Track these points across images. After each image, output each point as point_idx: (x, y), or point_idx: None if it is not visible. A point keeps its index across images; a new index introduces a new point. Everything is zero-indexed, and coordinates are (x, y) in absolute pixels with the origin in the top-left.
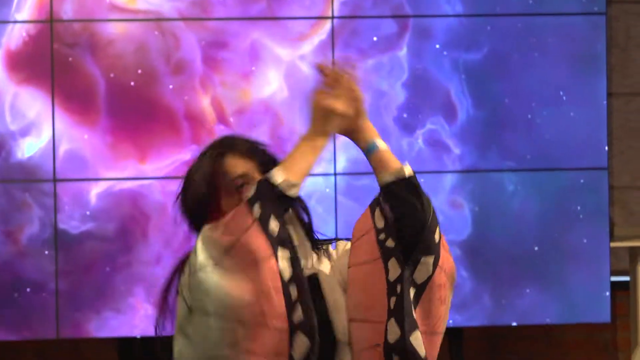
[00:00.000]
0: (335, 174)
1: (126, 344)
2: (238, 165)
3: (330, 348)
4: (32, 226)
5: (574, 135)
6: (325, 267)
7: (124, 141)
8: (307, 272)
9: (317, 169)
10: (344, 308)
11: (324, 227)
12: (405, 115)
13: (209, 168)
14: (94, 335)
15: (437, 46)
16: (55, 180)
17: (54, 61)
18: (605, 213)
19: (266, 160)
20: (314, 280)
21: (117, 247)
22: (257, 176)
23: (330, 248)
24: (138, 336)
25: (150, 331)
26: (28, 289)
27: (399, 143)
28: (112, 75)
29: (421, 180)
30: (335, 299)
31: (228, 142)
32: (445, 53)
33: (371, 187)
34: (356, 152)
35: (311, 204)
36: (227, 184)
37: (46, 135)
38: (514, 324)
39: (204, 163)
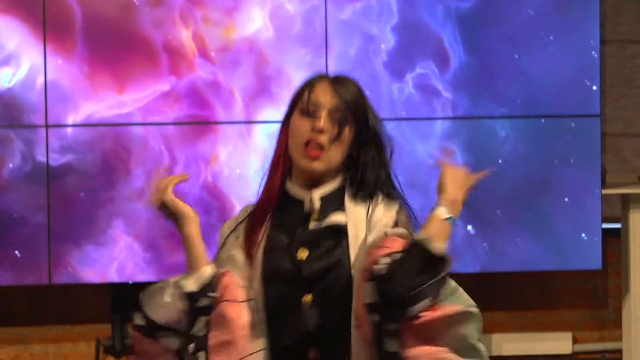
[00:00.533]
0: None
1: (119, 289)
2: (323, 94)
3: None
4: (14, 160)
5: (567, 83)
6: (359, 223)
7: (102, 72)
8: (328, 222)
9: None
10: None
11: None
12: (395, 60)
13: (305, 83)
14: (75, 267)
15: None
16: (47, 125)
17: None
18: (598, 160)
19: (359, 117)
20: (337, 229)
21: (97, 179)
22: (327, 119)
23: (377, 214)
24: (130, 282)
25: (129, 264)
26: (13, 225)
27: (389, 88)
28: (89, 5)
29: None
30: (358, 255)
31: (336, 75)
32: None
33: None
34: None
35: None
36: (304, 104)
37: (25, 66)
38: (506, 270)
39: (314, 75)
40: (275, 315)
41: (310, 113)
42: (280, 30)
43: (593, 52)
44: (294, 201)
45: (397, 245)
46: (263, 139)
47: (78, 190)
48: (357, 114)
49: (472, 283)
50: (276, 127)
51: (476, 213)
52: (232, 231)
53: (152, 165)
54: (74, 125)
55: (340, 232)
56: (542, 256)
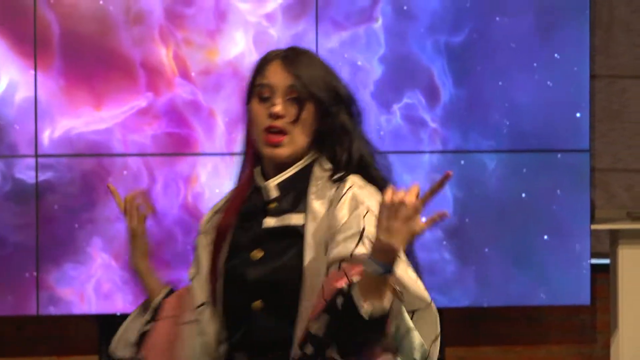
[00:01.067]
0: None
1: (107, 320)
2: (275, 76)
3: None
4: None
5: (557, 117)
6: (314, 221)
7: (80, 88)
8: (284, 222)
9: None
10: (319, 268)
11: None
12: (382, 90)
13: (257, 65)
14: (55, 287)
15: (421, 30)
16: (37, 155)
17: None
18: (587, 195)
19: (318, 91)
20: (295, 230)
21: (76, 198)
22: (284, 100)
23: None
24: (118, 313)
25: (105, 282)
26: None
27: (376, 119)
28: (68, 22)
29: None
30: (313, 257)
31: (288, 49)
32: (422, 31)
33: None
34: None
35: None
36: (257, 87)
37: (4, 81)
38: (495, 305)
39: (265, 55)
40: (230, 320)
41: (265, 98)
42: (262, 50)
43: (583, 87)
44: (258, 188)
45: (357, 271)
46: None
47: (58, 210)
48: (315, 90)
49: (461, 317)
50: None
51: (465, 247)
52: (207, 223)
53: (131, 185)
54: (63, 156)
55: (297, 232)
56: (531, 291)
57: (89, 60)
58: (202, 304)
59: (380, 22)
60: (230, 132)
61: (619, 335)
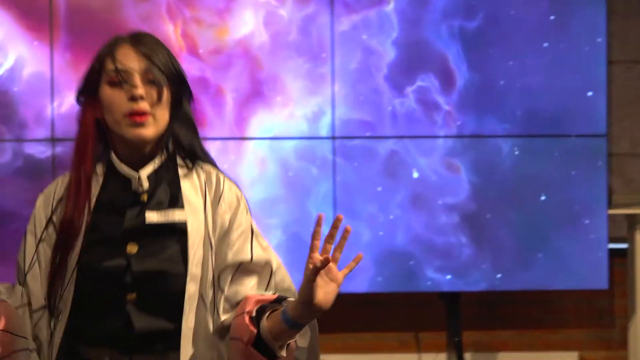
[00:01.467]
0: (333, 138)
1: None
2: (129, 59)
3: (179, 299)
4: (4, 155)
5: (574, 103)
6: (195, 216)
7: (86, 63)
8: (167, 219)
9: (314, 132)
10: (202, 262)
11: (319, 188)
12: (395, 73)
13: (103, 51)
14: None
15: (434, 13)
16: (53, 139)
17: None
18: (604, 180)
19: (170, 75)
20: (179, 226)
21: None
22: (142, 83)
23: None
24: None
25: None
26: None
27: (390, 102)
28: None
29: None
30: (197, 253)
31: (133, 34)
32: (435, 14)
33: (362, 147)
34: (345, 113)
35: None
36: (111, 74)
37: (11, 58)
38: (512, 289)
39: (110, 41)
40: (91, 316)
41: (118, 83)
42: (275, 36)
43: (600, 72)
44: (121, 178)
45: (251, 305)
46: (254, 146)
47: None
48: (168, 73)
49: (478, 301)
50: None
51: (482, 232)
52: (49, 218)
53: None
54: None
55: (180, 229)
56: (549, 275)
57: (96, 36)
58: (41, 307)
59: (392, 5)
60: (239, 108)
61: (637, 320)
